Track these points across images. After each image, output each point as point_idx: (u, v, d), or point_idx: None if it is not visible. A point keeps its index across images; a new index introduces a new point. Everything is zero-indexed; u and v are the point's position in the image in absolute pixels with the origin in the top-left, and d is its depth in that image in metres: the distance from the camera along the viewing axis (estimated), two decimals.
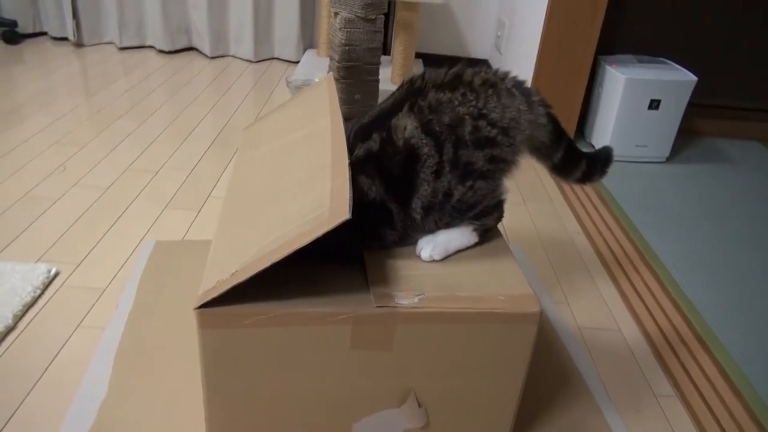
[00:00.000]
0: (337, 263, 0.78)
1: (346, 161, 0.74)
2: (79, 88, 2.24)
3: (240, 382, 0.73)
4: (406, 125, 0.77)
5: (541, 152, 0.87)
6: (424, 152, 0.76)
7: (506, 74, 0.82)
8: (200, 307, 0.67)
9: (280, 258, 0.65)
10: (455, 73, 0.81)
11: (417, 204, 0.79)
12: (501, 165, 0.80)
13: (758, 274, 1.44)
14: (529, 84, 0.83)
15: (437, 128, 0.76)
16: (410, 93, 0.80)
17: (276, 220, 0.73)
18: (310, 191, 0.74)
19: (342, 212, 0.65)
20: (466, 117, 0.76)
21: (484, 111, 0.77)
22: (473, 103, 0.77)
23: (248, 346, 0.71)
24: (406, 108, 0.78)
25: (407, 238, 0.82)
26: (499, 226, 1.40)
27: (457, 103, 0.77)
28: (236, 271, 0.67)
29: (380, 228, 0.80)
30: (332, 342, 0.72)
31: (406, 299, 0.73)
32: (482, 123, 0.77)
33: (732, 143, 2.26)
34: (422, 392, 0.78)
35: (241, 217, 0.80)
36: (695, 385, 1.07)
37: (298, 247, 0.65)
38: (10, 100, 2.06)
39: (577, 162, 0.90)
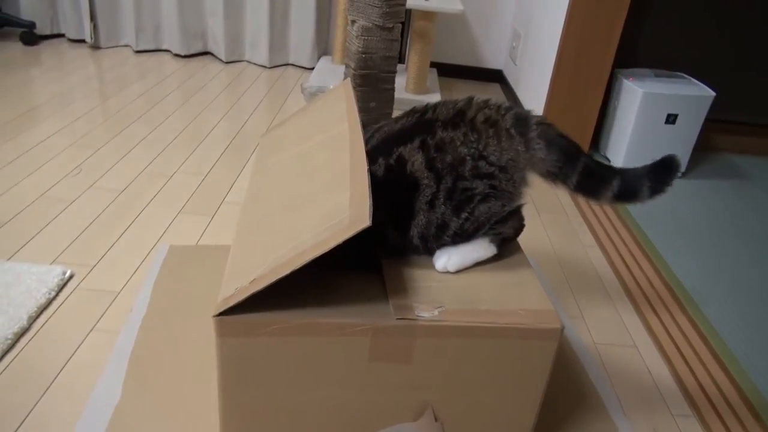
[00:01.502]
0: (356, 267, 0.79)
1: (366, 168, 0.74)
2: (95, 91, 2.25)
3: (257, 390, 0.73)
4: (415, 160, 0.80)
5: (553, 178, 0.85)
6: (424, 183, 0.79)
7: (507, 110, 0.84)
8: (219, 314, 0.67)
9: (299, 266, 0.65)
10: (459, 109, 0.83)
11: (414, 232, 0.81)
12: (502, 194, 0.81)
13: None
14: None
15: (439, 165, 0.79)
16: (421, 125, 0.82)
17: (295, 227, 0.72)
18: (329, 198, 0.73)
19: (361, 219, 0.65)
20: (467, 158, 0.80)
21: (485, 153, 0.80)
22: (474, 145, 0.80)
23: (266, 355, 0.70)
24: (417, 142, 0.80)
25: (402, 256, 0.84)
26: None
27: (459, 143, 0.80)
28: (255, 278, 0.67)
29: (369, 247, 0.79)
30: (351, 353, 0.71)
31: (425, 312, 0.72)
32: (482, 163, 0.80)
33: (749, 159, 2.24)
34: (439, 406, 0.77)
35: (260, 223, 0.79)
36: (713, 405, 1.05)
37: (318, 255, 0.65)
38: (27, 101, 2.07)
39: (601, 182, 0.85)
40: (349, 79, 1.11)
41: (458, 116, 0.82)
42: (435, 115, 0.83)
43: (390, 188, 0.79)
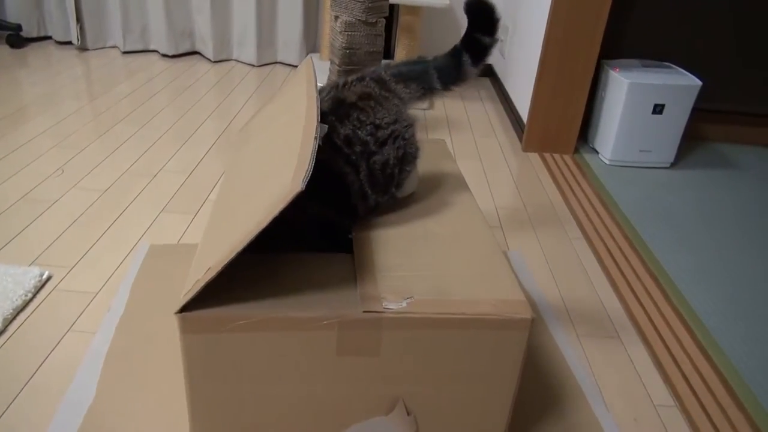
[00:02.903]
0: (326, 246, 0.80)
1: (313, 137, 0.71)
2: (82, 92, 2.24)
3: (224, 387, 0.72)
4: (336, 161, 0.81)
5: (426, 98, 0.92)
6: (349, 180, 0.81)
7: (367, 78, 0.88)
8: (181, 310, 0.66)
9: (242, 247, 0.63)
10: (335, 98, 0.85)
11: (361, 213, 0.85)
12: (410, 145, 0.86)
13: (763, 283, 1.41)
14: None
15: (353, 158, 0.81)
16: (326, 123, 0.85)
17: (248, 212, 0.71)
18: (279, 176, 0.72)
19: (295, 186, 0.63)
20: (368, 138, 0.82)
21: (378, 122, 0.83)
22: (368, 124, 0.82)
23: (232, 351, 0.69)
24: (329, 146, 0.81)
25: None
26: (497, 230, 1.39)
27: (358, 130, 0.81)
28: (209, 268, 0.66)
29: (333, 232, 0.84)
30: (318, 348, 0.70)
31: (393, 303, 0.71)
32: (381, 132, 0.82)
33: (738, 148, 2.23)
34: (411, 400, 0.76)
35: (222, 217, 0.78)
36: (695, 395, 1.04)
37: (258, 232, 0.63)
38: (13, 103, 2.06)
39: (456, 68, 0.91)
40: (311, 57, 1.09)
41: (340, 106, 0.83)
42: (324, 108, 0.84)
43: (327, 185, 0.79)
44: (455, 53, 0.92)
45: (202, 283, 0.64)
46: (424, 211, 0.91)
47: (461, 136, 2.13)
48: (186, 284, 0.68)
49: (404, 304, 0.71)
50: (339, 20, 1.82)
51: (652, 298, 1.30)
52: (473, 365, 0.74)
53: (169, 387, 0.92)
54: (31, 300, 1.11)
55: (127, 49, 2.74)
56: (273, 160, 0.79)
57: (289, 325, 0.69)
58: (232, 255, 0.63)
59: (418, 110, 2.34)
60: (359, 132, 0.81)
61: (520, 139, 2.10)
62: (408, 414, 0.76)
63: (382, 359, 0.72)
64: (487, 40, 0.91)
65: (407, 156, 0.85)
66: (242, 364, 0.70)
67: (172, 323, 1.03)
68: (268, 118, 0.98)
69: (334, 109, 0.83)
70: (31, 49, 2.69)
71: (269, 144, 0.87)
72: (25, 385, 0.92)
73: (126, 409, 0.88)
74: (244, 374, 0.71)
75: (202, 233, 0.78)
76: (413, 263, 0.79)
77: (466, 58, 0.91)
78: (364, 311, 0.69)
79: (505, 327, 0.72)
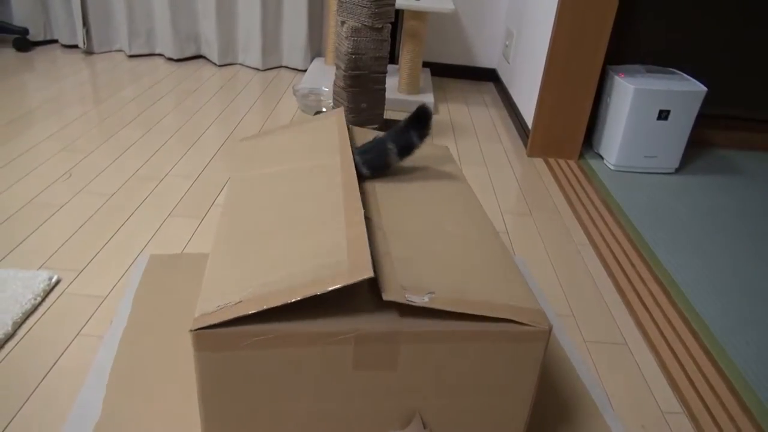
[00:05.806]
0: None
1: (361, 208, 0.75)
2: (87, 96, 2.25)
3: (239, 404, 0.71)
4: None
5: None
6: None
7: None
8: (197, 329, 0.66)
9: (293, 300, 0.65)
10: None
11: None
12: None
13: None
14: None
15: None
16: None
17: (286, 254, 0.72)
18: (322, 232, 0.74)
19: (364, 269, 0.66)
20: None
21: None
22: None
23: (247, 367, 0.69)
24: None
25: None
26: (505, 237, 1.39)
27: None
28: (241, 301, 0.66)
29: None
30: (334, 362, 0.70)
31: (416, 296, 0.70)
32: None
33: (743, 154, 2.24)
34: (428, 413, 0.76)
35: (244, 240, 0.78)
36: (703, 402, 1.04)
37: (313, 294, 0.65)
38: (19, 106, 2.07)
39: (381, 156, 0.96)
40: (342, 108, 1.13)
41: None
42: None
43: None
44: (381, 141, 0.97)
45: (230, 315, 0.64)
46: (433, 216, 0.91)
47: (466, 141, 2.14)
48: (202, 303, 0.67)
49: (426, 299, 0.70)
50: (345, 25, 1.82)
51: (658, 304, 1.30)
52: (490, 377, 0.74)
53: (176, 401, 0.91)
54: (40, 304, 1.11)
55: (133, 52, 2.75)
56: (311, 208, 0.81)
57: (305, 340, 0.68)
58: (278, 303, 0.64)
59: None
60: None
61: (525, 145, 2.10)
62: (424, 427, 0.76)
63: (399, 373, 0.72)
64: (416, 140, 0.96)
65: None
66: (257, 381, 0.70)
67: (177, 336, 1.03)
68: (286, 150, 0.99)
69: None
70: (37, 53, 2.70)
71: (299, 185, 0.89)
72: (35, 389, 0.93)
73: (134, 425, 0.87)
74: (259, 390, 0.71)
75: (213, 248, 0.78)
76: (428, 260, 0.78)
77: (392, 148, 0.96)
78: (388, 301, 0.68)
79: (523, 338, 0.72)
